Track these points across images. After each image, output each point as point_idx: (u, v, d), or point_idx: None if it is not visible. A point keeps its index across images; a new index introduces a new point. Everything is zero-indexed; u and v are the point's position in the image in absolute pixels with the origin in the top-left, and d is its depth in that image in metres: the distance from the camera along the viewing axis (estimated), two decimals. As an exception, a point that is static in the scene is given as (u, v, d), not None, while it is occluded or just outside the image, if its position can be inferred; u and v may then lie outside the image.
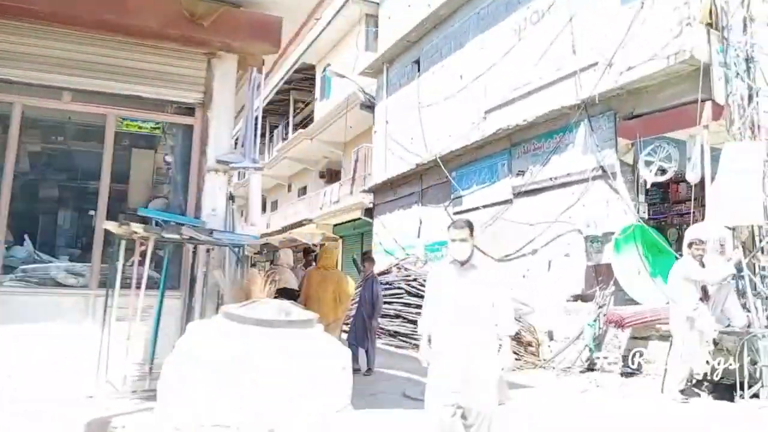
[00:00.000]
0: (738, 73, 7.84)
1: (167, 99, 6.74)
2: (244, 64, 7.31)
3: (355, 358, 9.48)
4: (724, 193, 7.64)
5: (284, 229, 25.33)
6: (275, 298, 7.93)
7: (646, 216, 10.23)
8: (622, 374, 9.08)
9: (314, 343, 3.30)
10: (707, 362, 7.84)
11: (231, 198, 6.93)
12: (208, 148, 6.73)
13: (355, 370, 9.21)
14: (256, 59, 7.40)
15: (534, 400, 8.20)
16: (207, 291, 6.37)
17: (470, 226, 4.04)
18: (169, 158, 6.98)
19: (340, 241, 23.04)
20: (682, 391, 7.67)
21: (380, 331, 14.22)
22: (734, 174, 7.49)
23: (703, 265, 7.60)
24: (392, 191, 17.45)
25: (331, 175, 25.01)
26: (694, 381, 7.95)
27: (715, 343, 7.76)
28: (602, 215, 10.21)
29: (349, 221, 21.17)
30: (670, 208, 13.04)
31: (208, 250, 6.42)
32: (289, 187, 29.79)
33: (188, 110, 6.85)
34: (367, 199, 18.94)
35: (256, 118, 6.94)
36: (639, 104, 9.87)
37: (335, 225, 22.56)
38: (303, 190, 27.37)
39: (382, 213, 18.08)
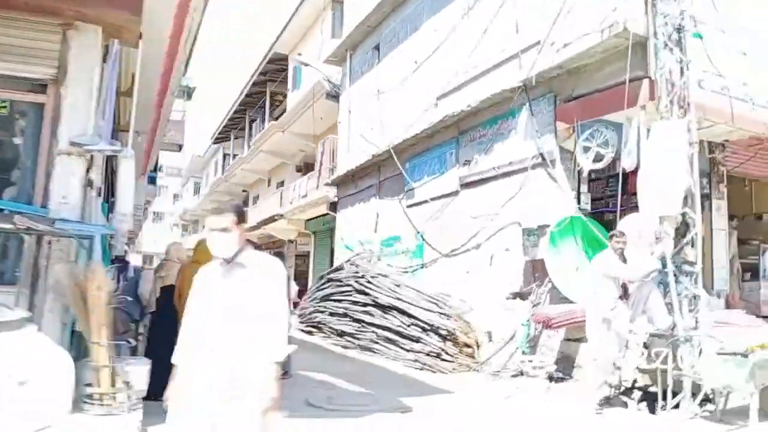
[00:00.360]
0: (666, 44, 7.03)
1: (14, 74, 6.04)
2: (116, 37, 6.63)
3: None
4: (651, 173, 6.87)
5: (258, 225, 24.70)
6: (160, 295, 7.31)
7: (588, 207, 9.48)
8: (551, 379, 8.33)
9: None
10: (637, 367, 7.13)
11: (89, 184, 6.23)
12: (60, 128, 6.04)
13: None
14: (129, 32, 6.72)
15: (450, 406, 7.54)
16: (49, 287, 5.70)
17: (237, 212, 3.21)
18: (17, 140, 6.30)
19: (313, 237, 22.38)
20: (608, 399, 6.96)
21: (330, 330, 13.58)
22: (661, 154, 6.71)
23: (624, 260, 6.84)
24: (354, 184, 16.73)
25: (308, 168, 24.29)
26: (622, 388, 7.21)
27: (646, 346, 7.02)
28: (541, 206, 9.45)
29: (319, 216, 20.49)
30: (630, 200, 12.23)
31: (50, 242, 5.75)
32: (269, 181, 29.17)
33: (40, 87, 6.17)
34: (332, 193, 18.24)
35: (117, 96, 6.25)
36: (578, 85, 9.08)
37: (307, 220, 21.89)
38: (281, 185, 26.71)
39: (345, 207, 17.36)
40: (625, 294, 6.74)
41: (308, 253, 22.80)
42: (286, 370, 8.84)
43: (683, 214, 6.84)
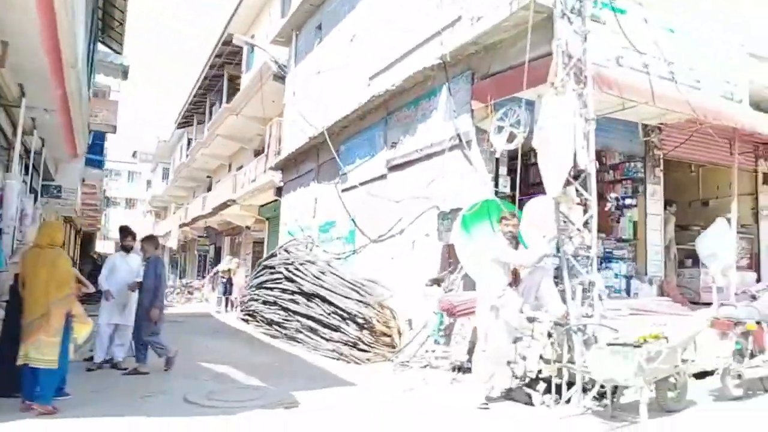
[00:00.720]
0: (565, 14, 6.53)
1: None
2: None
3: (143, 358, 8.21)
4: (548, 152, 6.40)
5: (214, 211, 24.11)
6: (11, 285, 6.63)
7: (507, 190, 8.98)
8: (459, 369, 7.88)
9: None
10: (540, 357, 6.69)
11: None
12: None
13: (142, 373, 7.93)
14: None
15: (344, 399, 7.08)
16: None
17: None
18: None
19: (267, 223, 21.82)
20: (510, 390, 6.54)
21: (262, 319, 13.11)
22: (558, 131, 6.24)
23: (516, 244, 6.39)
24: (296, 168, 16.21)
25: (265, 153, 23.76)
26: (527, 379, 6.77)
27: (549, 335, 6.59)
28: (458, 189, 8.98)
29: (271, 202, 19.94)
30: (567, 185, 11.81)
31: None
32: (230, 167, 28.51)
33: None
34: (278, 178, 17.70)
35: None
36: (495, 61, 8.59)
37: (261, 206, 21.31)
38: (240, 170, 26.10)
39: (288, 191, 16.85)
40: (515, 281, 6.28)
41: (263, 239, 22.26)
42: (168, 356, 8.25)
43: (579, 195, 6.35)
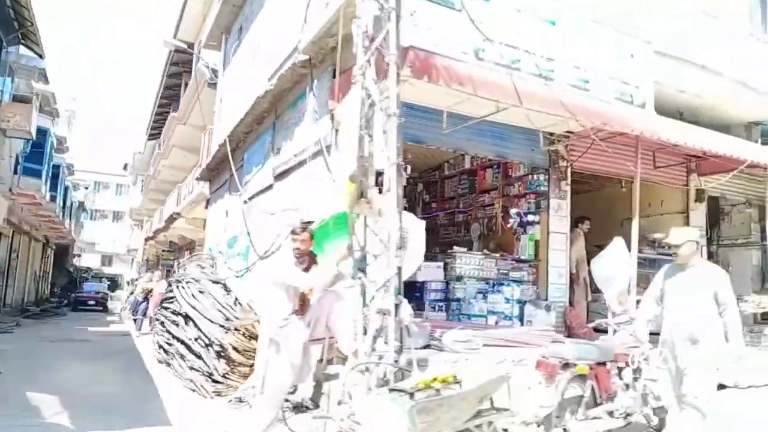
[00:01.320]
0: (368, -11, 5.52)
1: None
2: None
3: None
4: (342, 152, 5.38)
5: (165, 225, 23.19)
6: None
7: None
8: (296, 408, 6.76)
9: None
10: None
11: None
12: None
13: None
14: None
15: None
16: None
17: None
18: None
19: (212, 237, 20.85)
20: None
21: (156, 341, 12.08)
22: (347, 127, 5.21)
23: (309, 264, 5.32)
24: (217, 179, 15.25)
25: (220, 164, 22.77)
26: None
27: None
28: (321, 200, 7.94)
29: (212, 215, 18.96)
30: (476, 199, 10.78)
31: None
32: (191, 178, 27.63)
33: None
34: (208, 189, 16.74)
35: None
36: (351, 55, 7.57)
37: (205, 219, 20.31)
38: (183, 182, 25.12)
39: (212, 203, 15.90)
40: (302, 308, 5.20)
41: (210, 255, 21.25)
42: None
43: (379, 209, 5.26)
